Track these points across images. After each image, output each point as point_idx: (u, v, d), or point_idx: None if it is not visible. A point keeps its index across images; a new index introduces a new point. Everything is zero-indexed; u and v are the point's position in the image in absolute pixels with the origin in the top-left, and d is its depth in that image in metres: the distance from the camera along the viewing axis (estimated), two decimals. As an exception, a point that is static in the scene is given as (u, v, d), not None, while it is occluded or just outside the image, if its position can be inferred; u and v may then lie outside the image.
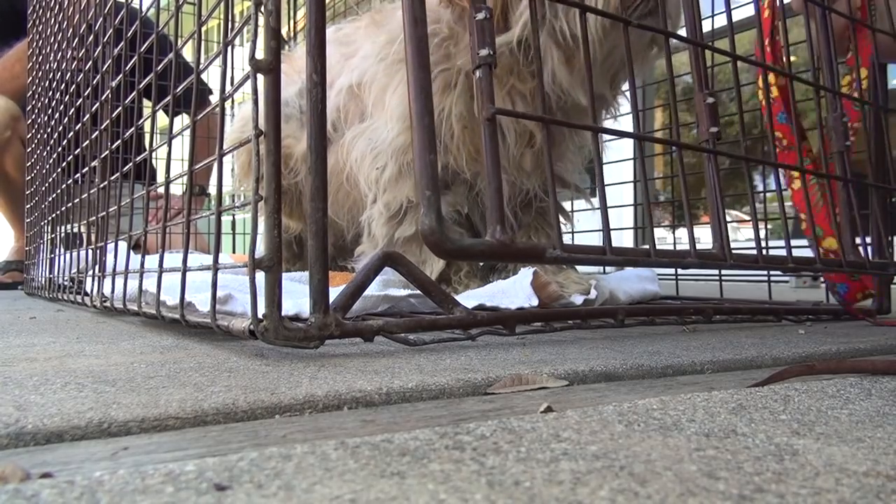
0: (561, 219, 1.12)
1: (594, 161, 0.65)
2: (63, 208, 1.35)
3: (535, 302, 0.84)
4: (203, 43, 0.73)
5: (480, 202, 1.07)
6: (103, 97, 1.08)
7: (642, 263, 0.66)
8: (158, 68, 0.81)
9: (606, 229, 0.62)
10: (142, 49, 0.90)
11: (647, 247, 0.65)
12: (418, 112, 0.55)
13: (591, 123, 0.63)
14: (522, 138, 0.98)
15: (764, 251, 0.75)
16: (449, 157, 0.98)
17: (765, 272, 1.21)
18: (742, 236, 2.45)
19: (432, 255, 1.03)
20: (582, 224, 1.45)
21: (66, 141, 1.33)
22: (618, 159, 1.56)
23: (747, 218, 0.92)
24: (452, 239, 0.56)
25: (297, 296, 0.76)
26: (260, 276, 0.55)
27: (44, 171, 1.63)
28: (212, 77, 2.68)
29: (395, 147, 1.00)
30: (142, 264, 0.82)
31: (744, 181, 0.79)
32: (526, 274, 0.88)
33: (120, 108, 0.99)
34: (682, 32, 0.73)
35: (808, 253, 0.90)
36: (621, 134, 0.67)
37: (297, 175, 1.34)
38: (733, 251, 0.69)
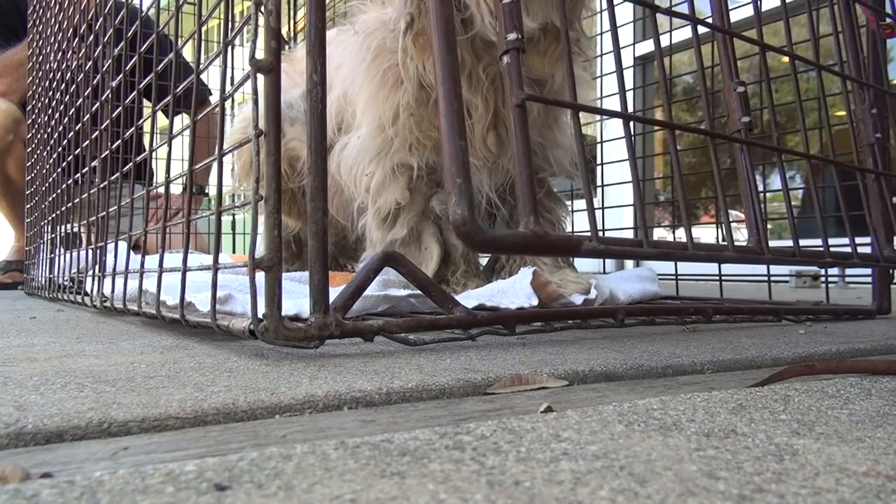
0: (560, 211, 1.12)
1: (628, 155, 0.62)
2: (63, 208, 1.35)
3: (534, 301, 0.84)
4: (203, 43, 0.73)
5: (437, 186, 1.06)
6: (103, 97, 1.08)
7: (679, 257, 0.64)
8: (158, 68, 0.81)
9: (644, 225, 0.61)
10: (142, 49, 0.90)
11: (684, 240, 0.63)
12: (446, 96, 0.51)
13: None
14: (483, 119, 0.96)
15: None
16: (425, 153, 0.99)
17: (764, 272, 1.21)
18: (742, 236, 2.44)
19: (428, 254, 1.03)
20: (580, 224, 1.44)
21: (66, 141, 1.33)
22: (619, 159, 1.54)
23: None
24: (485, 230, 0.52)
25: (297, 296, 0.76)
26: (260, 276, 0.55)
27: (44, 171, 1.63)
28: (212, 77, 2.68)
29: (375, 151, 1.01)
30: (142, 264, 0.82)
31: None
32: (526, 273, 0.87)
33: (120, 108, 0.99)
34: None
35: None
36: (655, 123, 0.65)
37: (303, 178, 1.34)
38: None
